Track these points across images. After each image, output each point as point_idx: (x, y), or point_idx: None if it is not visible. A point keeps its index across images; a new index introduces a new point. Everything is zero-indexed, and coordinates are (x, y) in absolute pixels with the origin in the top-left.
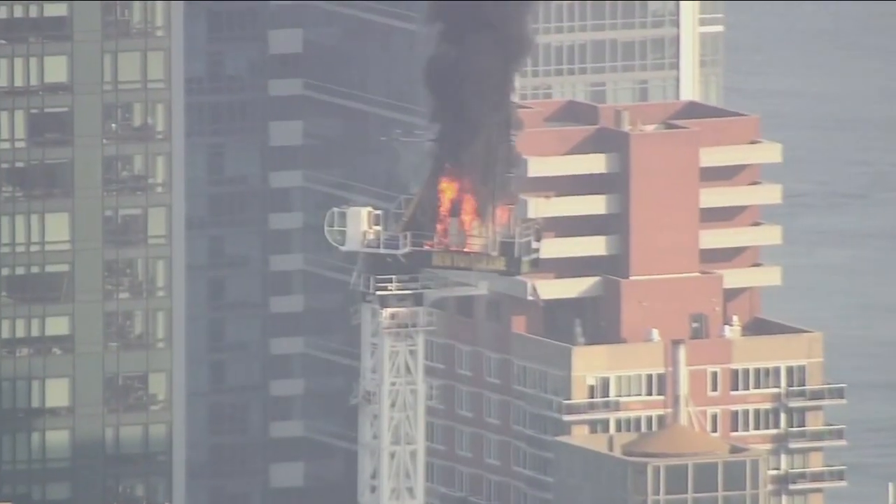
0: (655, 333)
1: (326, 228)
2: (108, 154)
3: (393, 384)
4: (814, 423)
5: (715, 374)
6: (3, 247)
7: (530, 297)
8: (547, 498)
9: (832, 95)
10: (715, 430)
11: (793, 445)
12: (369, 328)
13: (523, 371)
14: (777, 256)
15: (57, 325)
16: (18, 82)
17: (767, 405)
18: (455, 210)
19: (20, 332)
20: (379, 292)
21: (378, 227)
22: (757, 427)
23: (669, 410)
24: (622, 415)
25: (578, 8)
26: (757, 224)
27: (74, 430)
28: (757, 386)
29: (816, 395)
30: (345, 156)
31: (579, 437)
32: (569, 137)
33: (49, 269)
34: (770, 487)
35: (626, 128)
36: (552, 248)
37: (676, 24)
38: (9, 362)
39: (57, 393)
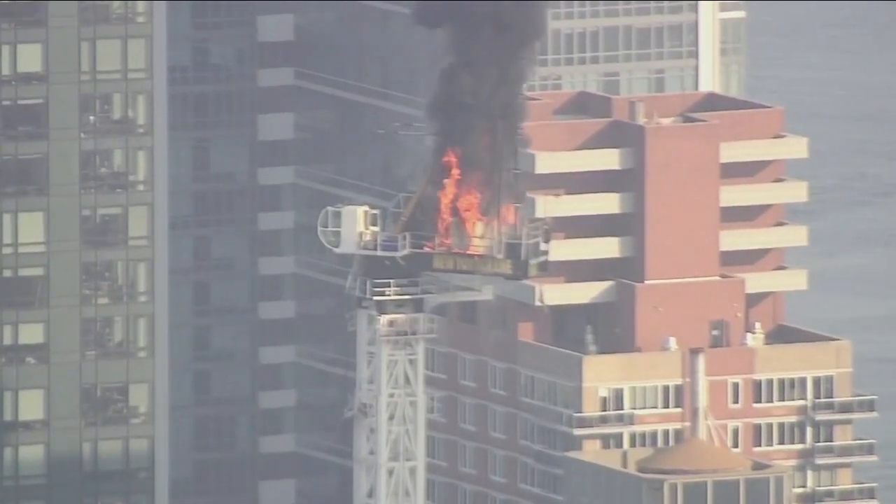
0: (672, 342)
1: (319, 229)
2: (85, 149)
3: (391, 396)
4: (842, 438)
5: (736, 385)
6: None
7: (538, 303)
8: None
9: (860, 85)
10: (736, 445)
11: (820, 461)
12: (366, 336)
13: (531, 382)
14: (803, 258)
15: (31, 333)
16: None
17: (793, 418)
18: (457, 209)
19: None
20: (376, 297)
21: (375, 228)
22: (781, 442)
23: (687, 424)
24: (637, 429)
25: None
26: (781, 224)
27: (49, 445)
28: (781, 398)
29: (845, 408)
30: (339, 150)
31: (591, 452)
32: (580, 131)
33: (22, 272)
34: None
35: (642, 121)
36: (562, 249)
37: (695, 9)
38: None
39: (31, 405)
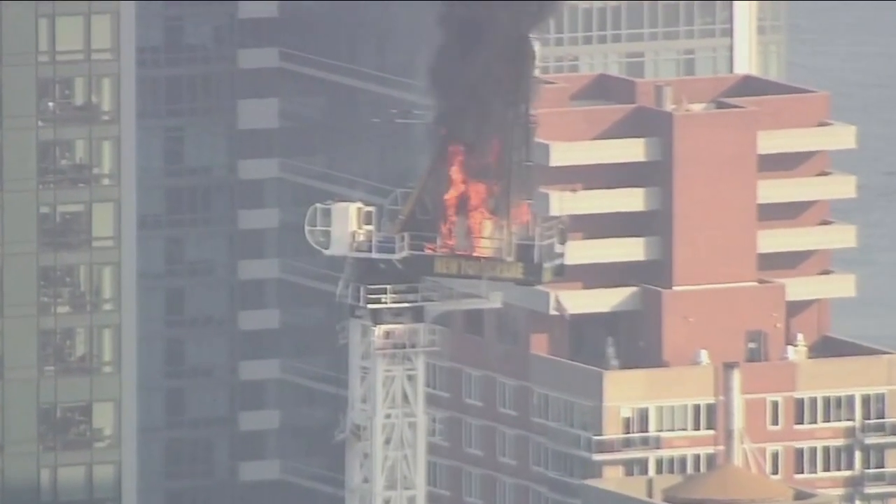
0: (704, 355)
1: (307, 229)
2: (43, 139)
3: (387, 417)
4: (895, 464)
5: (776, 405)
6: None
7: (554, 311)
8: None
9: None
10: (776, 472)
11: (870, 490)
12: (359, 349)
13: (544, 401)
14: (851, 262)
15: None
16: None
17: (839, 441)
18: (462, 206)
19: None
20: (370, 306)
21: (369, 227)
22: (826, 468)
23: (721, 448)
24: (664, 453)
25: None
26: (826, 223)
27: (3, 472)
28: (826, 418)
29: None
30: (329, 141)
31: (612, 480)
32: (599, 119)
33: None
34: None
35: (669, 107)
36: (580, 251)
37: None
38: None
39: None
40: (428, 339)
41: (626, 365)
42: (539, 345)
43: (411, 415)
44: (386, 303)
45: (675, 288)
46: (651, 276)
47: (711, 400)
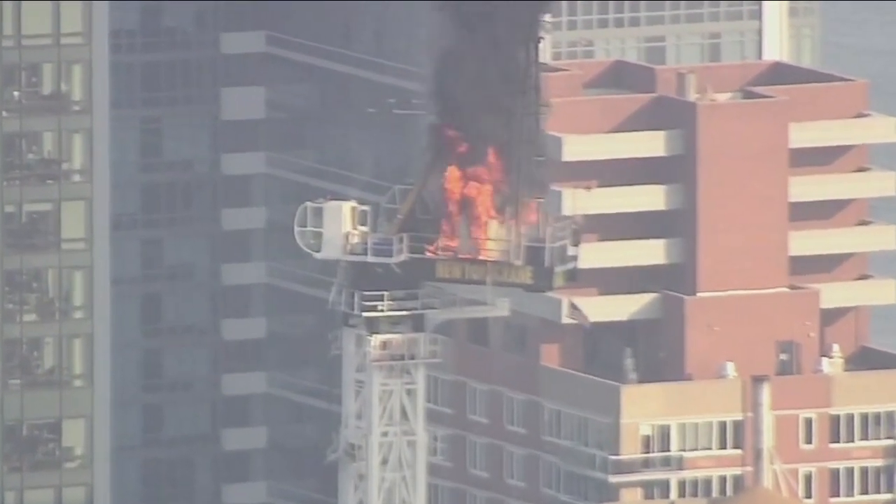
0: (731, 368)
1: (297, 229)
2: (8, 130)
3: (384, 435)
4: None
5: (809, 422)
6: None
7: (569, 319)
8: None
9: None
10: (809, 495)
11: None
12: (353, 361)
13: (556, 417)
14: (891, 265)
15: None
16: None
17: (878, 462)
18: (466, 205)
19: None
20: (366, 313)
21: (365, 228)
22: (864, 490)
23: (749, 469)
24: (687, 474)
25: None
26: (864, 223)
27: None
28: (864, 436)
29: None
30: (321, 133)
31: (631, 503)
32: (616, 109)
33: None
34: None
35: (693, 97)
36: (595, 254)
37: None
38: None
39: None
40: (429, 350)
41: (645, 378)
42: (550, 356)
43: (410, 433)
44: (383, 310)
45: (698, 294)
46: (673, 281)
47: (739, 416)
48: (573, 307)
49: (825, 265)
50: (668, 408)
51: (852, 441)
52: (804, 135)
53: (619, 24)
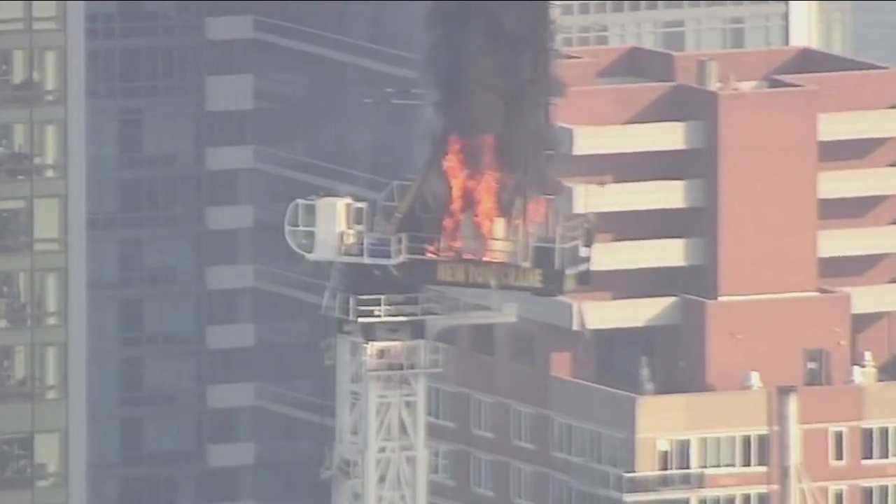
0: (755, 378)
1: (287, 229)
2: None
3: (382, 451)
4: None
5: (839, 436)
6: None
7: (577, 327)
8: None
9: None
10: None
11: None
12: (348, 371)
13: (567, 431)
14: None
15: None
16: None
17: None
18: (470, 202)
19: None
20: (362, 319)
21: (360, 227)
22: None
23: (775, 487)
24: (708, 493)
25: None
26: None
27: None
28: None
29: None
30: (313, 125)
31: None
32: (632, 99)
33: None
34: None
35: (714, 86)
36: (609, 256)
37: None
38: None
39: None
40: (429, 359)
41: (662, 389)
42: (561, 366)
43: (410, 448)
44: (380, 316)
45: (720, 299)
46: (692, 284)
47: (764, 430)
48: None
49: (857, 267)
50: (688, 421)
51: (886, 457)
52: (834, 127)
53: (634, 7)
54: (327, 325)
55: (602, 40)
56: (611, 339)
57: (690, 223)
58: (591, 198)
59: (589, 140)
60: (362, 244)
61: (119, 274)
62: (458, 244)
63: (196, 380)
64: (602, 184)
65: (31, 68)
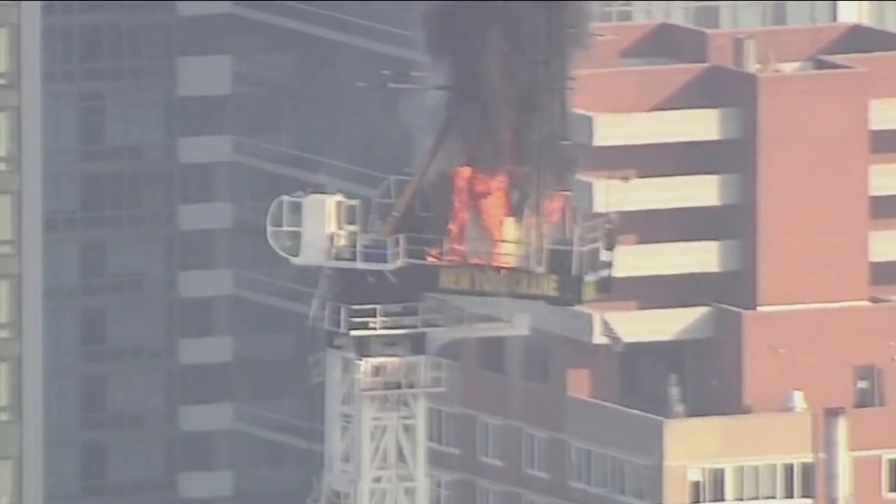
0: (798, 398)
1: (270, 229)
2: None
3: (377, 480)
4: None
5: (894, 464)
6: None
7: (599, 340)
8: None
9: None
10: None
11: None
12: (339, 390)
13: (586, 458)
14: None
15: None
16: None
17: None
18: (476, 200)
19: None
20: (355, 332)
21: (353, 228)
22: None
23: None
24: None
25: None
26: None
27: None
28: None
29: None
30: (300, 112)
31: None
32: (660, 83)
33: None
34: None
35: (753, 67)
36: (633, 260)
37: None
38: None
39: None
40: (431, 377)
41: (694, 411)
42: (578, 384)
43: (408, 478)
44: (375, 328)
45: (759, 308)
46: (728, 292)
47: (809, 458)
48: (605, 325)
49: None
50: (723, 447)
51: None
52: (888, 114)
53: None
54: (315, 339)
55: (626, 16)
56: (635, 355)
57: (725, 223)
58: (613, 194)
59: (611, 129)
60: (355, 247)
61: (80, 280)
62: (463, 247)
63: (167, 399)
64: (626, 178)
65: None
